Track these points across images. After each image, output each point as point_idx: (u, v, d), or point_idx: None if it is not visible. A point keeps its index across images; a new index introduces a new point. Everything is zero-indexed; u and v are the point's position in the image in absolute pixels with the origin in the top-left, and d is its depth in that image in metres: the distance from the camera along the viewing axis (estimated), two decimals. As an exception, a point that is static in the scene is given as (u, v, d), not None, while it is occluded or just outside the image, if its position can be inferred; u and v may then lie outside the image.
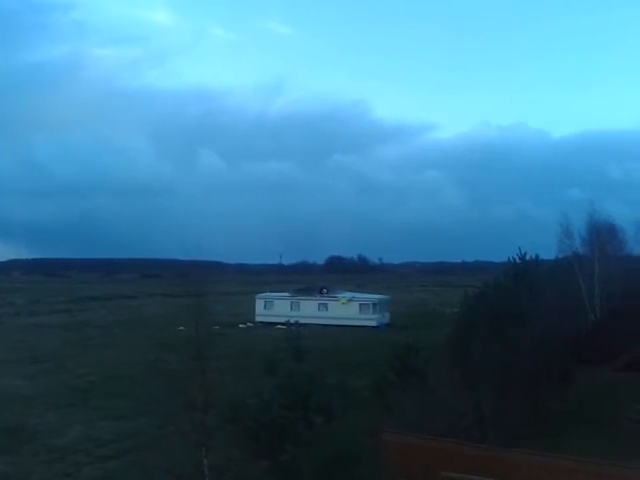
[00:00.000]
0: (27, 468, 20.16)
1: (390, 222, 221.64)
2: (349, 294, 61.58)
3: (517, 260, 37.27)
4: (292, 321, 48.43)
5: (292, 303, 59.03)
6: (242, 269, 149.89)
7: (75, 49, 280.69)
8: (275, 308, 59.05)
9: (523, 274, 34.72)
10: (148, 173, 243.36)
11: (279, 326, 51.60)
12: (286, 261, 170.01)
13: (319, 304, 58.81)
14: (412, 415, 17.87)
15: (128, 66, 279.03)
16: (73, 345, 44.70)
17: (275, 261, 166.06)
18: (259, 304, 60.45)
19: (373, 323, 55.70)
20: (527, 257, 37.71)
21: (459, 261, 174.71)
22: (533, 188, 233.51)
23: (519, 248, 37.95)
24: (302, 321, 49.15)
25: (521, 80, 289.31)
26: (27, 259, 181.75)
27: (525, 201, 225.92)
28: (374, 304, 58.16)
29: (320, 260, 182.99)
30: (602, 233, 45.16)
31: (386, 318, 58.04)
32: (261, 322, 57.48)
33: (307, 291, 61.88)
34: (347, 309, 57.62)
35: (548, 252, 46.82)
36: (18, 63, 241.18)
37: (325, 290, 61.30)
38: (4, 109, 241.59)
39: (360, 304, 58.21)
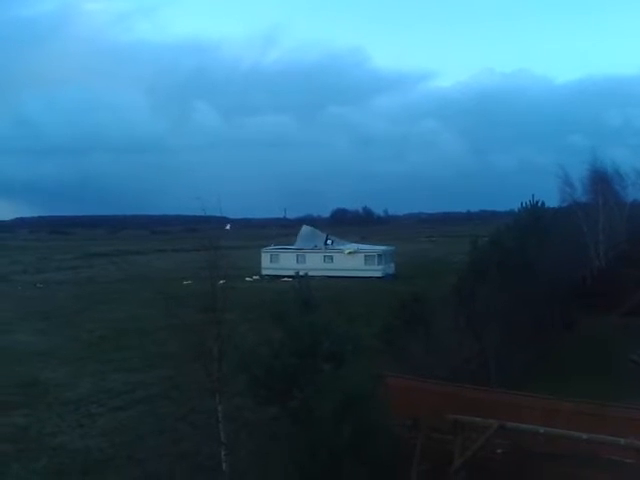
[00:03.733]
0: (42, 420, 20.61)
1: (394, 173, 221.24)
2: (354, 245, 61.77)
3: (529, 207, 37.18)
4: (301, 273, 49.14)
5: (298, 256, 59.26)
6: (247, 223, 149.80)
7: (65, 3, 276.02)
8: (281, 261, 59.36)
9: (533, 222, 34.71)
10: (145, 129, 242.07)
11: (285, 279, 52.01)
12: (290, 215, 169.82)
13: (324, 256, 59.07)
14: (419, 361, 18.20)
15: (118, 20, 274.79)
16: (82, 301, 45.13)
17: (280, 215, 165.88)
18: (265, 257, 60.76)
19: (378, 274, 55.98)
20: (537, 205, 37.70)
21: (464, 211, 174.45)
22: (537, 136, 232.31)
23: (532, 195, 37.93)
24: (308, 273, 49.71)
25: (525, 24, 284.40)
26: (32, 217, 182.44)
27: (529, 149, 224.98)
28: (379, 255, 58.37)
29: (325, 213, 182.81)
30: (606, 180, 44.95)
31: (391, 269, 58.31)
32: (267, 275, 57.84)
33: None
34: (352, 260, 57.88)
35: (553, 200, 46.83)
36: (7, 18, 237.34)
37: (329, 241, 61.45)
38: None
39: (365, 255, 58.44)
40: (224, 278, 15.14)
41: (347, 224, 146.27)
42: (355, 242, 65.87)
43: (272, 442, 15.95)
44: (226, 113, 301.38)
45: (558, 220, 42.13)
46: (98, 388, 23.93)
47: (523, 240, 29.71)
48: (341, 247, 60.47)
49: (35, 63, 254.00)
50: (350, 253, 58.80)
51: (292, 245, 62.68)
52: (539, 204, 38.52)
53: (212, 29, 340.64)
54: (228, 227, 62.68)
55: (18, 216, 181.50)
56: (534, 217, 35.79)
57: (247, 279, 54.89)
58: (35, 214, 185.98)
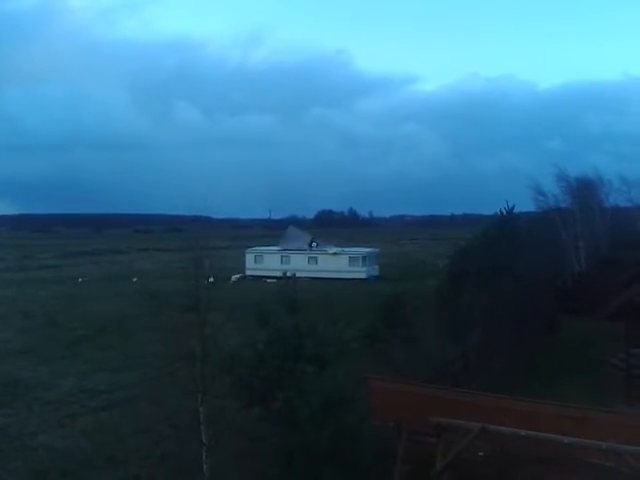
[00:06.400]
0: (22, 420, 20.41)
1: (379, 175, 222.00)
2: (336, 248, 61.70)
3: (503, 214, 37.59)
4: (286, 274, 49.27)
5: (282, 257, 59.23)
6: (231, 224, 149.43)
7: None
8: (265, 262, 59.31)
9: (508, 227, 35.00)
10: (129, 127, 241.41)
11: (269, 280, 51.97)
12: (276, 216, 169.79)
13: (309, 257, 59.07)
14: (401, 362, 18.24)
15: (103, 17, 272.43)
16: (64, 300, 44.78)
17: (264, 216, 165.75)
18: (249, 258, 60.64)
19: (362, 275, 56.10)
20: (511, 211, 38.10)
21: (448, 214, 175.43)
22: (520, 140, 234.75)
23: (507, 202, 38.38)
24: (292, 274, 49.78)
25: (510, 30, 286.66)
26: (14, 215, 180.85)
27: (512, 153, 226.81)
28: (363, 257, 58.48)
29: (310, 214, 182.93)
30: (585, 186, 45.35)
31: (375, 270, 58.47)
32: (251, 276, 57.75)
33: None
34: (337, 262, 57.93)
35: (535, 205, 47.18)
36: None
37: (314, 244, 61.50)
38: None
39: (350, 257, 58.52)
40: (208, 278, 15.10)
41: (332, 226, 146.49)
42: (340, 245, 65.90)
43: (254, 444, 15.92)
44: (210, 112, 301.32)
45: (537, 225, 42.47)
46: (79, 388, 23.75)
47: (502, 244, 29.94)
48: (325, 249, 60.55)
49: (17, 59, 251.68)
50: (334, 254, 58.86)
51: (276, 246, 62.68)
52: (513, 210, 38.86)
53: (197, 28, 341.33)
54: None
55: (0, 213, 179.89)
56: (512, 222, 36.15)
57: (232, 279, 54.67)
58: (17, 212, 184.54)
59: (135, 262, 75.14)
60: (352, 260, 58.10)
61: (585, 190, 45.52)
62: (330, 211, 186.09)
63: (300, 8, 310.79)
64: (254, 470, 15.07)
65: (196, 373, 13.80)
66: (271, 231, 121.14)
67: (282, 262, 57.48)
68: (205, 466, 14.06)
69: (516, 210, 40.16)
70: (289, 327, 15.46)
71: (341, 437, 13.22)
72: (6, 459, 17.33)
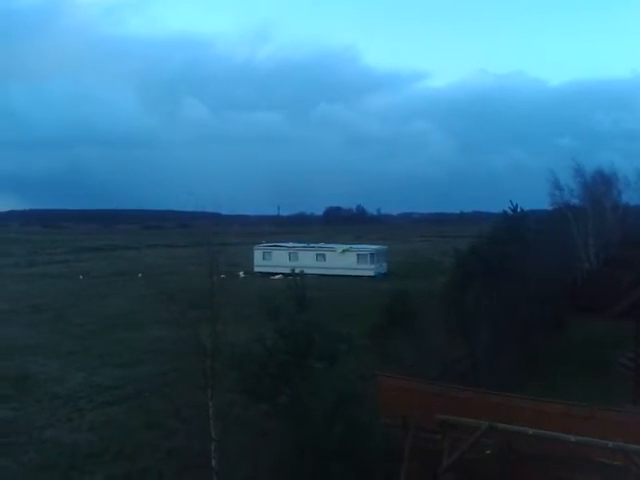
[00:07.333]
0: (31, 414, 20.55)
1: (387, 173, 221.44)
2: (342, 246, 61.62)
3: (509, 212, 37.40)
4: (295, 271, 49.19)
5: (290, 253, 59.25)
6: (240, 220, 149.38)
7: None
8: (273, 259, 59.33)
9: (515, 226, 34.80)
10: (137, 123, 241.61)
11: (277, 276, 51.96)
12: (284, 212, 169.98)
13: (317, 254, 59.06)
14: (409, 360, 18.23)
15: (109, 13, 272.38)
16: (73, 295, 45.00)
17: (273, 212, 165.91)
18: (258, 255, 60.69)
19: (371, 273, 56.05)
20: (518, 209, 37.88)
21: (457, 212, 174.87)
22: (530, 137, 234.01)
23: (510, 201, 38.24)
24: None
25: (519, 26, 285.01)
26: (24, 210, 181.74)
27: (522, 150, 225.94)
28: (372, 254, 58.40)
29: (318, 211, 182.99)
30: (596, 183, 45.03)
31: (384, 268, 58.37)
32: (260, 272, 57.77)
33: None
34: (345, 259, 57.89)
35: (544, 202, 46.97)
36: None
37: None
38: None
39: (358, 254, 58.47)
40: (220, 274, 15.12)
41: (341, 223, 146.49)
42: (348, 241, 65.89)
43: (262, 439, 15.95)
44: (218, 109, 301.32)
45: (547, 223, 42.23)
46: (88, 383, 23.88)
47: (511, 242, 29.80)
48: (333, 246, 60.62)
49: (26, 56, 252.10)
50: (343, 252, 58.85)
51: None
52: (518, 209, 38.66)
53: (204, 25, 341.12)
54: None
55: (9, 209, 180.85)
56: (521, 220, 35.95)
57: (240, 275, 54.68)
58: (27, 207, 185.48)
59: (145, 258, 75.29)
60: (360, 257, 58.05)
61: (599, 186, 45.18)
62: (338, 208, 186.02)
63: (307, 4, 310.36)
64: (262, 465, 15.12)
65: (206, 368, 13.85)
66: (280, 228, 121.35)
67: (290, 259, 57.47)
68: (214, 461, 14.12)
69: (526, 207, 39.97)
70: (299, 323, 15.47)
71: (352, 434, 13.22)
72: (16, 452, 17.45)
